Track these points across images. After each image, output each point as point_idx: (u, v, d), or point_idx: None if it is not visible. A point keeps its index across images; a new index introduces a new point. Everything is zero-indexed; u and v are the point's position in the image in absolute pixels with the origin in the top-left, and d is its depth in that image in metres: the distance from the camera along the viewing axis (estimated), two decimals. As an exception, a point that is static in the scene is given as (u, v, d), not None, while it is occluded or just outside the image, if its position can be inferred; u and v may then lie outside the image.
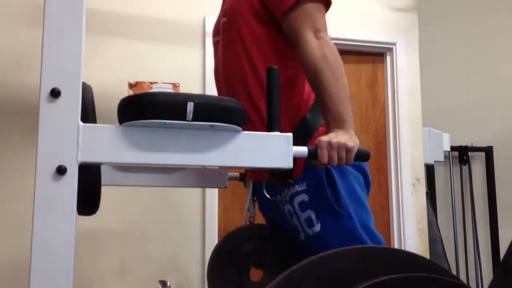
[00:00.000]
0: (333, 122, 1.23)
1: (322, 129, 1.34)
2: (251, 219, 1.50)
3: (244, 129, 1.03)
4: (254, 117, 1.34)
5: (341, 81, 1.25)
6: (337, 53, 1.27)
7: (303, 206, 1.31)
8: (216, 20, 1.58)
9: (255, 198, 1.50)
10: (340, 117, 1.23)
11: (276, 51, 1.36)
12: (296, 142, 1.14)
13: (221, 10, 1.51)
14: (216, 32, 1.54)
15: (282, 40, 1.35)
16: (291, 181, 1.31)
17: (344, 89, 1.25)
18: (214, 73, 1.53)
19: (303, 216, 1.31)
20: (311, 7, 1.29)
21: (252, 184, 1.50)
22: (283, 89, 1.22)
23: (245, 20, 1.36)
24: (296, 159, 1.27)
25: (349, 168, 1.34)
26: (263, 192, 1.33)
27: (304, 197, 1.30)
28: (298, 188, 1.31)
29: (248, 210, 1.50)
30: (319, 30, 1.27)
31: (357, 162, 1.31)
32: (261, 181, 1.38)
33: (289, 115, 1.33)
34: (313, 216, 1.30)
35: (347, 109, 1.25)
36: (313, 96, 1.38)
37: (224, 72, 1.44)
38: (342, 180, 1.31)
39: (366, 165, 1.41)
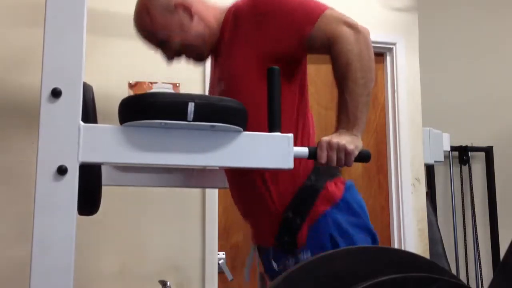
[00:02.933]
0: (345, 122, 1.22)
1: (324, 192, 1.31)
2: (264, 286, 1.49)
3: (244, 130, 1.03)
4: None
5: (369, 85, 1.24)
6: (372, 54, 1.26)
7: None
8: (210, 81, 1.56)
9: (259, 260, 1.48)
10: (354, 120, 1.22)
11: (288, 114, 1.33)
12: (297, 212, 1.16)
13: (216, 75, 1.47)
14: (212, 94, 1.52)
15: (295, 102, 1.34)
16: (296, 250, 1.29)
17: (368, 95, 1.24)
18: None
19: None
20: (330, 12, 1.29)
21: (257, 248, 1.48)
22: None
23: (251, 83, 1.31)
24: (299, 230, 1.28)
25: (356, 232, 1.30)
26: (268, 259, 1.34)
27: None
28: (302, 257, 1.29)
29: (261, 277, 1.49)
30: (353, 24, 1.26)
31: (362, 224, 1.31)
32: (266, 247, 1.38)
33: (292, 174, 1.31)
34: None
35: (364, 115, 1.24)
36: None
37: None
38: (349, 246, 1.27)
39: (369, 222, 1.36)
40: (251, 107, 1.22)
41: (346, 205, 1.32)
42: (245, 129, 1.03)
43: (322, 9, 1.28)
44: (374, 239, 1.34)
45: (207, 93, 2.39)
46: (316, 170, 1.33)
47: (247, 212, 1.45)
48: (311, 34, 1.26)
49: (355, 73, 1.21)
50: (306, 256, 1.28)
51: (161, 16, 1.37)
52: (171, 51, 1.42)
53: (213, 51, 1.46)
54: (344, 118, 1.22)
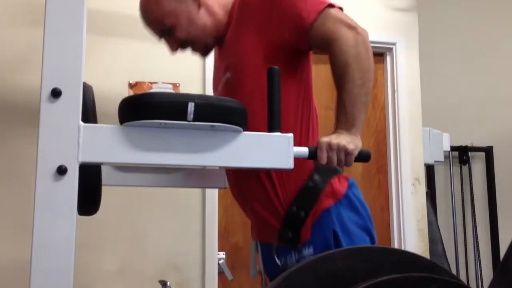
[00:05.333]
0: (343, 122, 1.22)
1: (328, 188, 1.32)
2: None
3: (244, 130, 1.03)
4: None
5: (367, 85, 1.24)
6: (371, 55, 1.26)
7: None
8: (214, 74, 1.56)
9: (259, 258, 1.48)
10: (353, 120, 1.22)
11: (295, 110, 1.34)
12: (302, 206, 1.18)
13: (221, 65, 1.47)
14: (216, 87, 1.52)
15: (301, 98, 1.35)
16: (300, 245, 1.30)
17: (367, 95, 1.24)
18: None
19: None
20: (334, 10, 1.29)
21: (256, 245, 1.49)
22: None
23: (258, 71, 1.29)
24: (303, 225, 1.29)
25: (356, 230, 1.32)
26: (270, 254, 1.34)
27: None
28: (305, 252, 1.30)
29: (260, 274, 1.49)
30: (353, 26, 1.26)
31: (362, 223, 1.33)
32: (268, 243, 1.38)
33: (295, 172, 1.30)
34: None
35: (363, 115, 1.24)
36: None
37: None
38: (350, 243, 1.29)
39: (372, 225, 1.38)
40: (258, 95, 1.23)
41: (349, 202, 1.33)
42: (245, 129, 1.03)
43: (327, 3, 1.29)
44: (372, 240, 1.35)
45: (207, 92, 2.40)
46: (319, 167, 1.34)
47: (249, 208, 1.45)
48: (313, 25, 1.27)
49: (354, 73, 1.22)
50: (309, 251, 1.29)
51: (169, 3, 1.36)
52: (175, 41, 1.41)
53: (219, 40, 1.45)
54: (343, 118, 1.22)
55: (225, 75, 1.41)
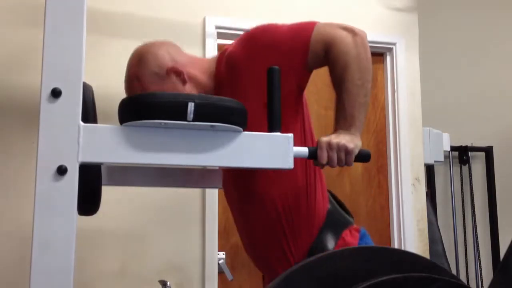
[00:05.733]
0: (342, 122, 1.22)
1: (341, 242, 1.30)
2: None
3: (244, 130, 1.03)
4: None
5: (366, 86, 1.23)
6: (370, 56, 1.25)
7: None
8: None
9: None
10: (352, 120, 1.22)
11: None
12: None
13: None
14: None
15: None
16: None
17: (366, 95, 1.24)
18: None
19: None
20: (321, 23, 1.28)
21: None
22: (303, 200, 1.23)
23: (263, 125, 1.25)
24: (305, 249, 1.28)
25: None
26: None
27: None
28: None
29: None
30: (349, 28, 1.26)
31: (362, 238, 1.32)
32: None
33: (305, 229, 1.30)
34: None
35: (362, 115, 1.23)
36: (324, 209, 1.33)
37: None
38: None
39: (369, 238, 1.37)
40: None
41: None
42: (245, 129, 1.03)
43: (311, 26, 1.27)
44: None
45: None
46: (330, 219, 1.32)
47: (253, 244, 1.45)
48: (309, 53, 1.25)
49: (353, 73, 1.22)
50: None
51: (153, 84, 1.31)
52: None
53: None
54: (342, 119, 1.23)
55: None
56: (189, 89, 1.33)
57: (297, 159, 1.25)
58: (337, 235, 1.30)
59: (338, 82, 1.24)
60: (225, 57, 1.35)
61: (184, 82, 1.33)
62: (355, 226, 1.36)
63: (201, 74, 1.37)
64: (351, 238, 1.31)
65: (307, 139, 1.35)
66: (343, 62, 1.22)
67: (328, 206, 1.34)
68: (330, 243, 1.28)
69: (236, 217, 1.48)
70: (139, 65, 1.34)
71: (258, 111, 1.18)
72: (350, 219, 1.37)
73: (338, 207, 1.38)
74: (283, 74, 1.09)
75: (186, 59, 1.38)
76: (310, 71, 1.30)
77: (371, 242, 1.36)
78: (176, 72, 1.33)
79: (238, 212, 1.45)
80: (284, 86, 1.11)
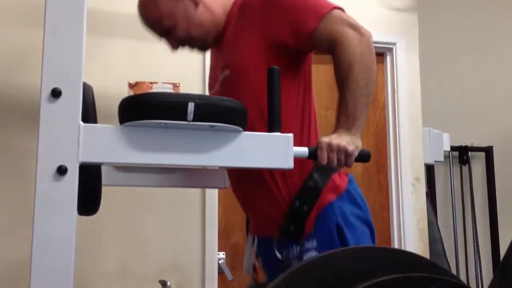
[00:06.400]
0: (344, 122, 1.23)
1: (330, 183, 1.34)
2: (255, 276, 1.50)
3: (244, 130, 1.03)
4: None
5: (370, 86, 1.24)
6: (374, 57, 1.27)
7: None
8: (210, 73, 1.57)
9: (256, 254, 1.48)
10: (353, 120, 1.22)
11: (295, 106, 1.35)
12: (304, 201, 1.21)
13: (218, 64, 1.47)
14: (212, 85, 1.53)
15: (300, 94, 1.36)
16: (302, 238, 1.31)
17: (368, 96, 1.24)
18: None
19: None
20: (336, 12, 1.29)
21: (253, 239, 1.49)
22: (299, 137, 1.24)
23: (258, 72, 1.29)
24: (307, 219, 1.30)
25: (358, 223, 1.35)
26: (269, 249, 1.34)
27: (315, 254, 1.30)
28: (308, 245, 1.30)
29: (253, 268, 1.50)
30: (357, 27, 1.27)
31: (363, 216, 1.36)
32: (268, 238, 1.38)
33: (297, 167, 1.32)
34: None
35: (363, 116, 1.25)
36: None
37: None
38: (353, 236, 1.31)
39: (371, 218, 1.40)
40: (257, 96, 1.24)
41: (350, 196, 1.36)
42: (245, 129, 1.03)
43: (330, 7, 1.29)
44: (372, 232, 1.38)
45: (207, 92, 2.40)
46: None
47: (250, 204, 1.46)
48: (316, 29, 1.27)
49: (357, 74, 1.22)
50: (312, 245, 1.31)
51: (166, 4, 1.38)
52: (175, 40, 1.43)
53: (216, 39, 1.46)
54: (344, 118, 1.23)
55: (223, 73, 1.41)
56: (201, 13, 1.40)
57: (290, 109, 1.31)
58: (328, 177, 1.34)
59: (342, 81, 1.25)
60: (240, 2, 1.42)
61: (196, 4, 1.40)
62: (343, 170, 1.39)
63: (217, 6, 1.43)
64: (340, 181, 1.36)
65: (305, 109, 1.38)
66: (347, 62, 1.23)
67: None
68: (321, 183, 1.32)
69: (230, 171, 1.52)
70: None
71: (253, 54, 1.32)
72: None
73: None
74: (282, 32, 1.25)
75: None
76: (311, 45, 1.33)
77: (357, 187, 1.41)
78: None
79: None
80: (280, 38, 1.27)
